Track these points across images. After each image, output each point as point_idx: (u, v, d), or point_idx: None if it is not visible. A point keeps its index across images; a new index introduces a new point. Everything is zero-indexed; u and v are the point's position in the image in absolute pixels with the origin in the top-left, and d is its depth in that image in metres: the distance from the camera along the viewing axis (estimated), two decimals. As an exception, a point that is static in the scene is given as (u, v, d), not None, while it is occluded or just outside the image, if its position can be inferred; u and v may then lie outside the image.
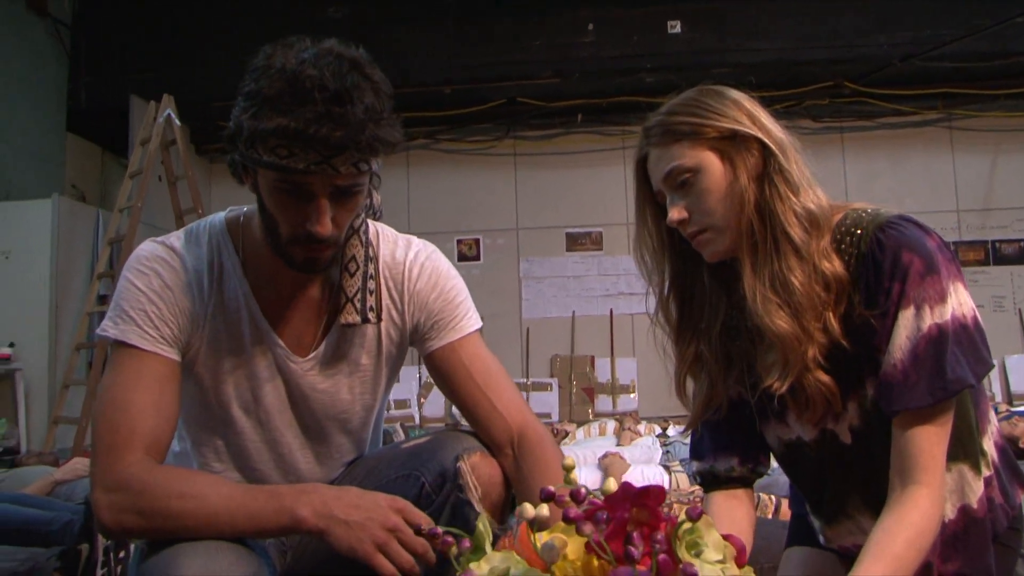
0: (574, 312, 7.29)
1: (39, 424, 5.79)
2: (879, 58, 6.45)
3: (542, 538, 0.96)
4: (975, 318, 1.21)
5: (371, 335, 1.55)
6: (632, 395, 6.85)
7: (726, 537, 0.93)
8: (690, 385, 1.46)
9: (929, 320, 1.17)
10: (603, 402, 6.94)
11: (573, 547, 0.95)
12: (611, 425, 4.92)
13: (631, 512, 0.91)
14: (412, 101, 6.79)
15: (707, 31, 6.51)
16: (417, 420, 6.98)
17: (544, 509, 0.98)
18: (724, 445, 1.46)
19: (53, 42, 6.78)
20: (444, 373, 1.57)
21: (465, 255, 7.39)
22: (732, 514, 1.43)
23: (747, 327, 1.36)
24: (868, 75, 6.70)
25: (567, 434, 4.83)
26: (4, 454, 5.28)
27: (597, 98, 6.94)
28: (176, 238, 1.49)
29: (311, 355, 1.50)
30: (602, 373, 7.00)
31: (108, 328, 1.41)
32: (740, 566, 0.93)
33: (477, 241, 7.41)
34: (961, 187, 7.33)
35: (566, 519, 0.92)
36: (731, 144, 1.29)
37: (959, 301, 1.20)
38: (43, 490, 3.34)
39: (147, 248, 1.47)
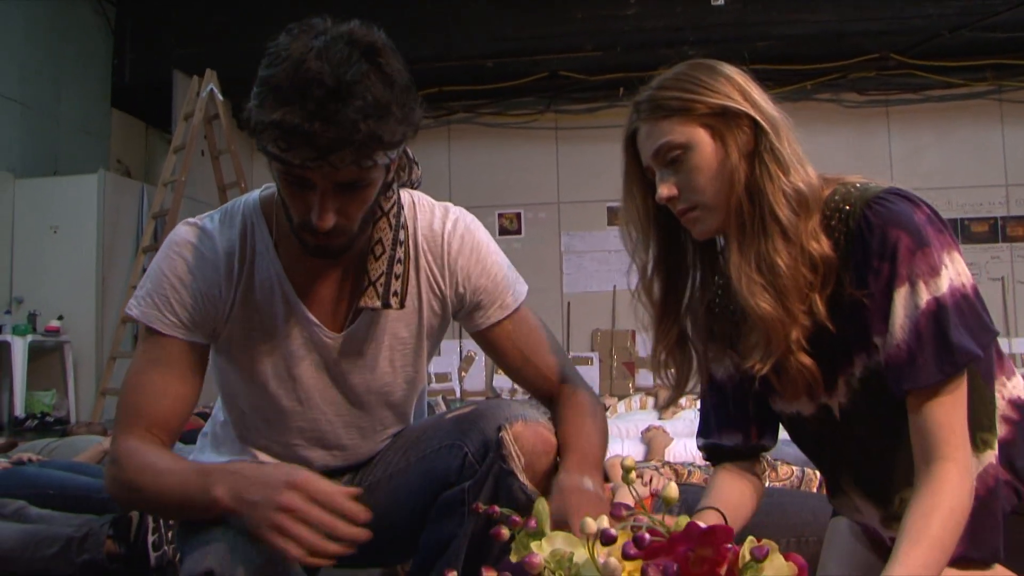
0: (615, 286, 7.27)
1: (87, 395, 5.89)
2: (928, 29, 6.33)
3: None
4: (974, 286, 1.18)
5: (410, 307, 1.53)
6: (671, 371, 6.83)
7: (787, 557, 0.92)
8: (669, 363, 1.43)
9: (925, 295, 1.14)
10: (644, 376, 6.92)
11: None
12: (651, 400, 4.90)
13: (695, 551, 0.89)
14: (453, 75, 6.78)
15: (751, 2, 6.42)
16: (458, 394, 7.01)
17: (604, 521, 0.96)
18: (728, 421, 1.44)
19: (98, 19, 6.85)
20: (491, 347, 1.60)
21: (506, 229, 7.39)
22: (738, 486, 1.42)
23: (730, 306, 1.35)
24: (916, 47, 6.57)
25: (608, 408, 4.82)
26: (54, 424, 5.38)
27: (639, 71, 6.83)
28: (210, 219, 1.49)
29: (346, 331, 1.49)
30: (643, 347, 6.97)
31: (132, 307, 1.46)
32: None
33: (518, 215, 7.41)
34: (1010, 161, 7.18)
35: (627, 556, 0.90)
36: (722, 120, 1.26)
37: (956, 271, 1.16)
38: (93, 458, 3.39)
39: (180, 231, 1.48)
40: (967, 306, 1.15)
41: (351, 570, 1.70)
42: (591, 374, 6.98)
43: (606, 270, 7.27)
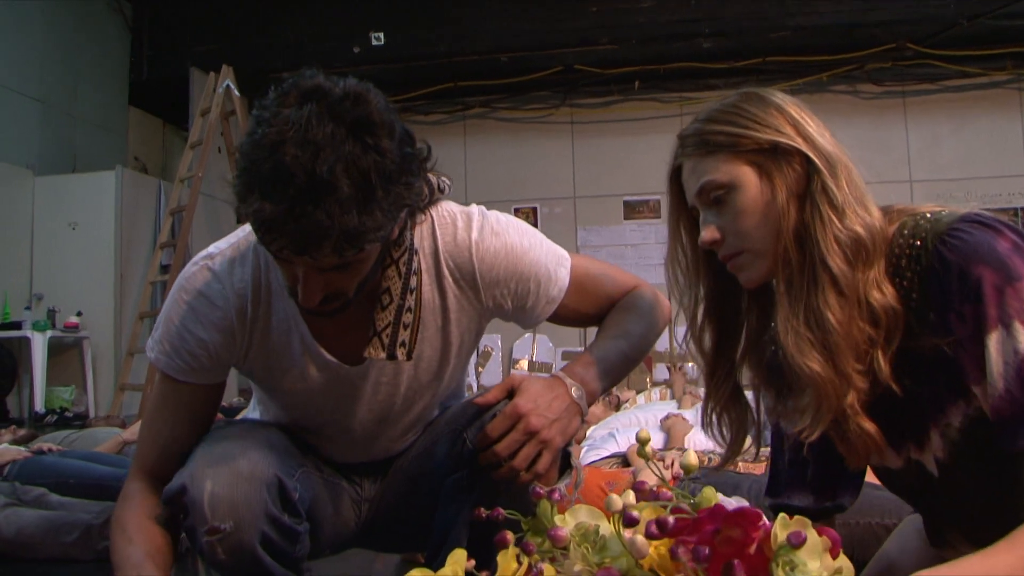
0: (631, 281, 7.19)
1: (106, 390, 5.93)
2: (945, 18, 6.29)
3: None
4: None
5: (432, 329, 1.50)
6: (690, 364, 6.80)
7: (819, 531, 0.88)
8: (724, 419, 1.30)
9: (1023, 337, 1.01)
10: (661, 371, 6.88)
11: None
12: (669, 391, 4.89)
13: (721, 530, 0.86)
14: (468, 69, 6.78)
15: (766, -7, 6.39)
16: (475, 389, 7.01)
17: (631, 496, 0.95)
18: (798, 480, 1.33)
19: (115, 16, 6.89)
20: (555, 321, 1.59)
21: (522, 224, 7.30)
22: None
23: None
24: (933, 36, 6.52)
25: (627, 400, 4.80)
26: (74, 419, 5.41)
27: (655, 64, 6.86)
28: (221, 256, 1.45)
29: (365, 364, 1.48)
30: (660, 342, 6.93)
31: (148, 349, 1.49)
32: (834, 557, 0.89)
33: (534, 210, 7.38)
34: (1031, 151, 7.13)
35: (650, 536, 0.88)
36: (771, 158, 1.15)
37: None
38: (112, 449, 3.41)
39: (189, 276, 1.46)
40: None
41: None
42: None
43: (622, 264, 7.23)
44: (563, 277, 1.53)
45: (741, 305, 1.26)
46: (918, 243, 1.09)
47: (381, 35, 6.27)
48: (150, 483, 1.43)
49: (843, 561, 0.90)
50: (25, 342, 5.61)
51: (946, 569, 0.98)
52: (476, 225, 1.48)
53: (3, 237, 5.80)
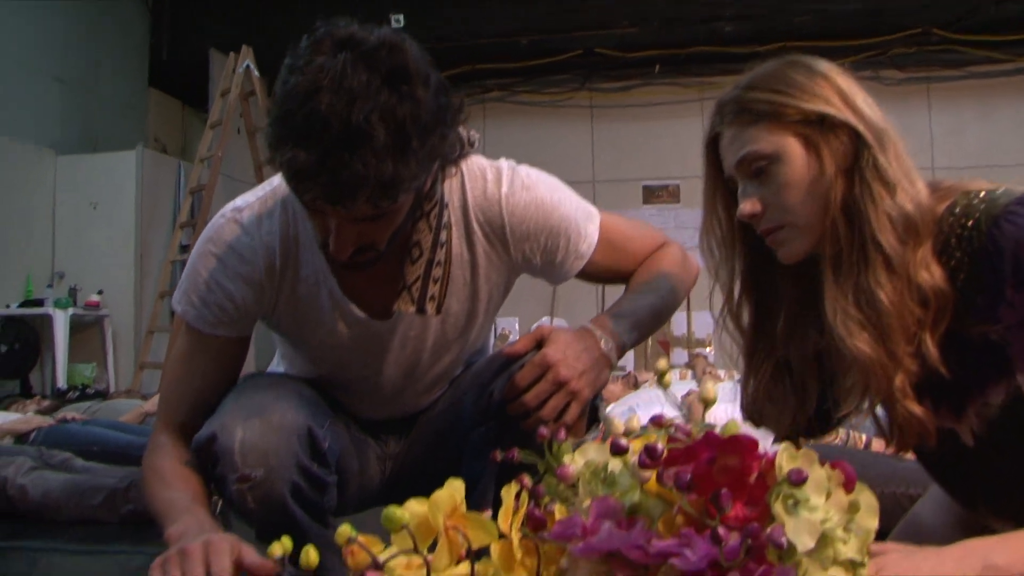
0: (650, 266, 7.17)
1: (126, 368, 5.96)
2: (971, 2, 6.22)
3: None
4: None
5: (460, 284, 1.49)
6: (708, 348, 6.78)
7: (834, 465, 0.84)
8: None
9: None
10: (679, 355, 6.86)
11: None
12: (690, 372, 4.88)
13: (718, 460, 0.82)
14: (488, 52, 6.76)
15: (789, -23, 6.35)
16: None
17: (634, 422, 0.93)
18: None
19: (136, -3, 6.91)
20: (583, 278, 1.58)
21: (541, 207, 7.29)
22: None
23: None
24: (959, 21, 6.46)
25: (647, 381, 4.80)
26: (95, 396, 5.44)
27: (675, 48, 6.82)
28: (250, 210, 1.44)
29: (393, 318, 1.47)
30: (678, 326, 6.90)
31: (175, 302, 1.48)
32: (849, 492, 0.85)
33: (553, 193, 7.31)
34: (1057, 139, 7.05)
35: (641, 465, 0.84)
36: (818, 130, 1.10)
37: None
38: (135, 419, 3.44)
39: (217, 228, 1.45)
40: None
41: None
42: (627, 354, 6.94)
43: (641, 249, 7.22)
44: (592, 233, 1.52)
45: (782, 280, 1.22)
46: (970, 223, 1.06)
47: (401, 17, 6.25)
48: (178, 434, 1.43)
49: (862, 494, 0.86)
50: (47, 319, 5.64)
51: (996, 541, 0.95)
52: (506, 179, 1.47)
53: (25, 216, 5.82)
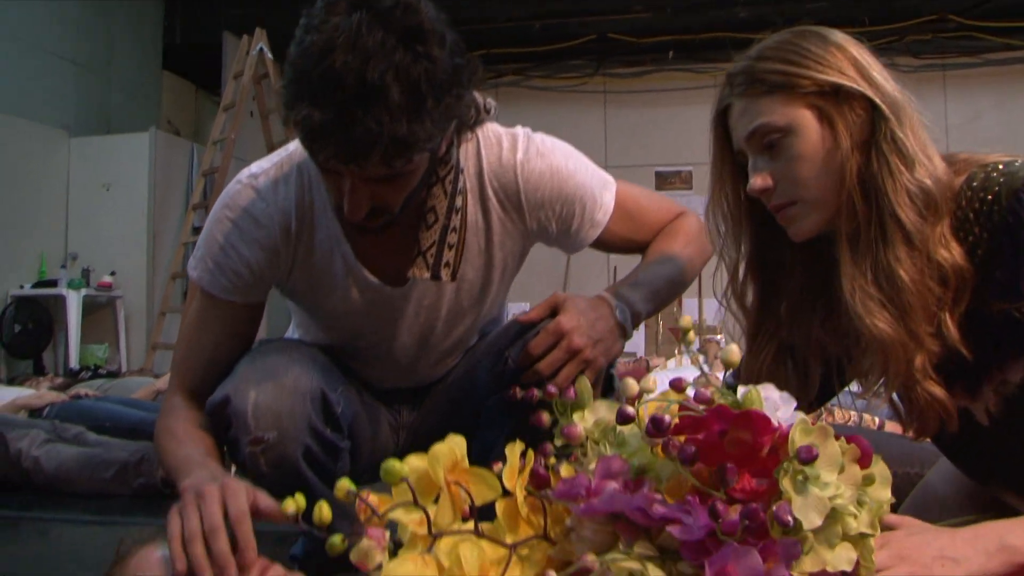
0: (662, 252, 7.15)
1: (138, 349, 5.99)
2: (988, -13, 6.18)
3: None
4: None
5: (475, 251, 1.48)
6: (719, 336, 6.76)
7: (850, 439, 0.82)
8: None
9: None
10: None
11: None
12: (701, 357, 4.87)
13: (729, 433, 0.80)
14: (501, 37, 6.74)
15: (805, -38, 6.31)
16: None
17: (650, 382, 0.91)
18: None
19: (149, -20, 6.92)
20: (598, 247, 1.57)
21: (553, 192, 7.28)
22: None
23: (843, 322, 1.13)
24: (976, 7, 6.41)
25: (658, 366, 4.79)
26: (107, 376, 5.47)
27: (689, 34, 6.79)
28: (266, 176, 1.44)
29: (407, 285, 1.47)
30: (689, 313, 6.91)
31: (190, 267, 1.48)
32: (865, 468, 0.83)
33: (565, 178, 7.29)
34: (1073, 128, 7.00)
35: (649, 434, 0.82)
36: (833, 101, 1.07)
37: None
38: (147, 396, 3.45)
39: (233, 193, 1.44)
40: None
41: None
42: (637, 338, 6.94)
43: (653, 234, 7.21)
44: (608, 201, 1.51)
45: (788, 259, 1.18)
46: (989, 197, 1.03)
47: (414, 1, 6.24)
48: (191, 398, 1.43)
49: (877, 468, 0.84)
50: (60, 300, 5.67)
51: (1013, 523, 0.93)
52: (521, 146, 1.46)
53: (39, 197, 5.85)
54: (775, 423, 0.80)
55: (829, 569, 0.76)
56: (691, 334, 0.99)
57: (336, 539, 0.78)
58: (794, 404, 0.85)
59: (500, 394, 1.45)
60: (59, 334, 5.82)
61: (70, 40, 6.09)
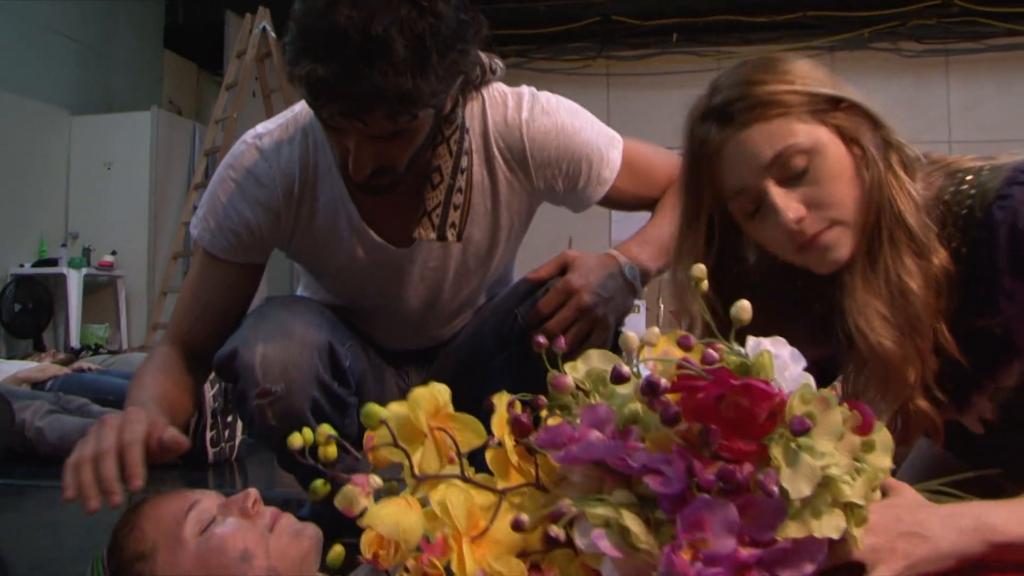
0: (663, 236, 7.14)
1: (139, 329, 5.98)
2: (993, -28, 6.15)
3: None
4: None
5: (481, 211, 1.48)
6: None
7: (852, 406, 0.80)
8: None
9: None
10: (691, 327, 6.86)
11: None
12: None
13: (727, 398, 0.78)
14: (505, 18, 6.70)
15: (810, -54, 6.28)
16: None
17: (654, 335, 0.88)
18: None
19: (152, -42, 6.88)
20: (606, 204, 1.57)
21: (555, 174, 7.27)
22: None
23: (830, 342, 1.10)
24: (980, -9, 6.39)
25: (658, 346, 4.80)
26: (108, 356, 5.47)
27: (693, 16, 6.76)
28: (270, 136, 1.44)
29: (413, 246, 1.47)
30: (691, 297, 6.91)
31: (192, 226, 1.49)
32: (864, 435, 0.81)
33: (567, 161, 7.28)
34: (1075, 113, 6.98)
35: (642, 391, 0.79)
36: (841, 114, 1.03)
37: None
38: (149, 371, 3.44)
39: (238, 153, 1.45)
40: None
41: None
42: (638, 322, 6.93)
43: (655, 218, 7.20)
44: (615, 158, 1.51)
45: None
46: (964, 212, 1.03)
47: (418, -19, 6.21)
48: (179, 349, 1.44)
49: (879, 435, 0.82)
50: (61, 279, 5.66)
51: (992, 504, 0.90)
52: (527, 105, 1.46)
53: (39, 176, 5.83)
54: (775, 391, 0.78)
55: (816, 536, 0.74)
56: (703, 284, 0.94)
57: (317, 483, 0.77)
58: (803, 363, 0.83)
59: (508, 352, 1.46)
60: (59, 314, 5.80)
61: (71, 18, 6.05)
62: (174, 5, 6.93)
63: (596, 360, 0.90)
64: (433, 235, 1.40)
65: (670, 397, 0.77)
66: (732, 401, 0.77)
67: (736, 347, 0.84)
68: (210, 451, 2.54)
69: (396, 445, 0.75)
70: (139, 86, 6.68)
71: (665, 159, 1.58)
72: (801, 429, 0.75)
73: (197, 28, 6.86)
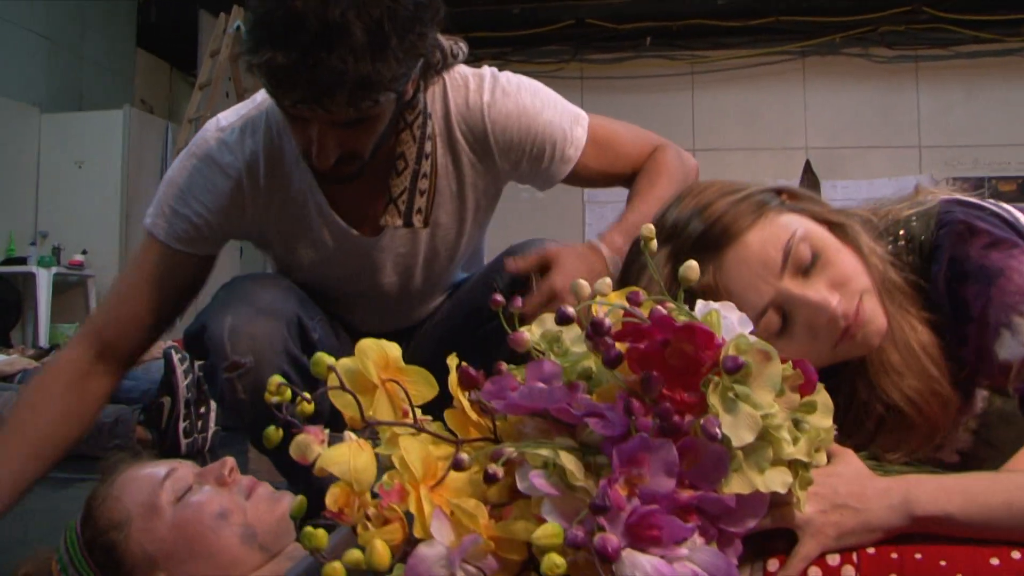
0: (636, 239, 7.15)
1: (109, 329, 5.91)
2: (961, -21, 6.24)
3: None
4: None
5: (447, 195, 1.49)
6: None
7: (796, 364, 0.78)
8: None
9: None
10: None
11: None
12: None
13: (671, 343, 0.76)
14: (480, 20, 6.72)
15: (783, -50, 6.34)
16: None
17: (605, 285, 0.85)
18: None
19: (124, -44, 6.83)
20: (575, 182, 1.56)
21: (529, 175, 7.27)
22: None
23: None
24: (948, -1, 6.48)
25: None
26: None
27: (667, 20, 6.81)
28: (231, 128, 1.43)
29: (382, 234, 1.48)
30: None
31: (145, 219, 1.45)
32: (805, 395, 0.80)
33: (542, 163, 7.29)
34: (1041, 120, 7.09)
35: (588, 336, 0.78)
36: (791, 201, 1.03)
37: None
38: (122, 366, 3.42)
39: (202, 142, 1.43)
40: None
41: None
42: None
43: (628, 221, 7.21)
44: (580, 136, 1.51)
45: None
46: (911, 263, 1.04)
47: (393, -17, 6.21)
48: (89, 351, 1.40)
49: (820, 396, 0.81)
50: (30, 278, 5.58)
51: (925, 478, 0.89)
52: (488, 87, 1.46)
53: (9, 174, 5.75)
54: (720, 339, 0.77)
55: (761, 489, 0.73)
56: (652, 244, 0.90)
57: (270, 430, 0.77)
58: (751, 327, 0.83)
59: (491, 324, 1.45)
60: (28, 313, 5.73)
61: (42, 15, 5.99)
62: (147, 4, 6.89)
63: (551, 323, 0.89)
64: (399, 222, 1.40)
65: (618, 347, 0.77)
66: (677, 349, 0.76)
67: (685, 307, 0.84)
68: (183, 442, 2.53)
69: (344, 388, 0.74)
70: (111, 84, 6.62)
71: (633, 135, 1.58)
72: (734, 367, 0.73)
73: (170, 27, 6.82)
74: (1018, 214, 1.04)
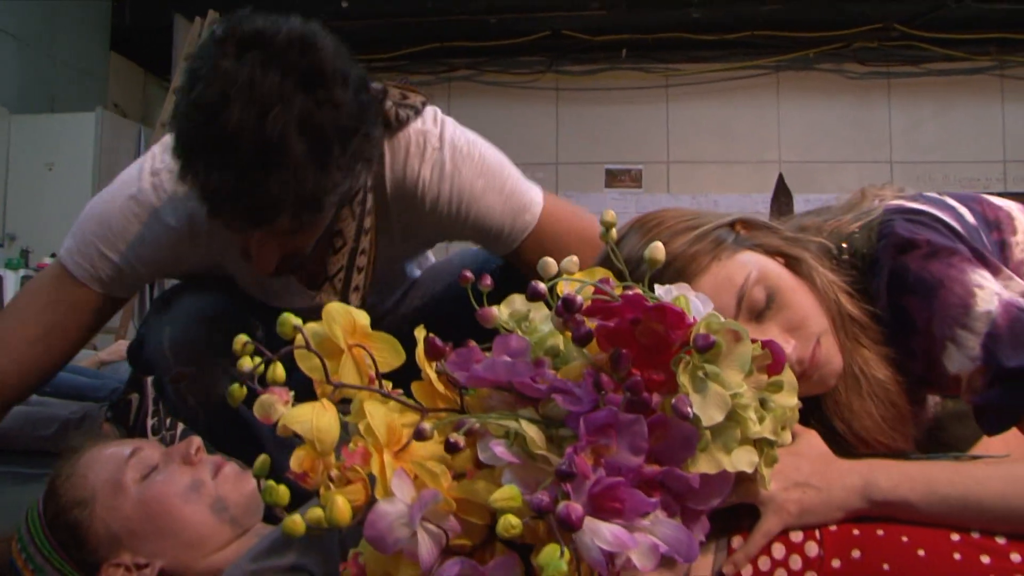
0: (610, 249, 7.16)
1: (78, 333, 5.83)
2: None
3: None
4: (1009, 302, 0.96)
5: (384, 259, 1.45)
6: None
7: (765, 344, 0.80)
8: None
9: (973, 341, 0.94)
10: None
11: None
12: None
13: (642, 322, 0.77)
14: (456, 30, 6.73)
15: (758, -36, 6.39)
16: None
17: (572, 263, 0.87)
18: None
19: (98, -41, 6.78)
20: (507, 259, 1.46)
21: (504, 185, 7.26)
22: None
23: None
24: (920, 17, 6.56)
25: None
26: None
27: (642, 33, 6.84)
28: (169, 173, 1.31)
29: (324, 287, 1.43)
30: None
31: (65, 246, 1.34)
32: (773, 375, 0.81)
33: (516, 173, 7.29)
34: (1009, 137, 7.16)
35: (558, 313, 0.78)
36: (745, 233, 1.03)
37: (994, 291, 0.95)
38: (91, 366, 3.38)
39: (143, 190, 1.32)
40: (1017, 322, 0.93)
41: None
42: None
43: (603, 231, 7.22)
44: (520, 228, 1.43)
45: None
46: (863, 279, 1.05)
47: (364, -8, 6.21)
48: None
49: (786, 376, 0.82)
50: (-3, 280, 5.51)
51: (886, 462, 0.91)
52: (429, 158, 1.36)
53: (-23, 175, 5.68)
54: (690, 318, 0.78)
55: (729, 470, 0.74)
56: (612, 232, 0.92)
57: (234, 387, 0.76)
58: (712, 307, 0.84)
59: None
60: (-5, 315, 5.65)
61: (10, 14, 5.91)
62: (121, 7, 6.84)
63: (519, 304, 0.90)
64: (336, 299, 1.34)
65: (588, 324, 0.77)
66: (647, 328, 0.76)
67: (651, 293, 0.85)
68: (151, 439, 2.50)
69: (309, 348, 0.73)
70: (83, 87, 6.57)
71: (587, 234, 1.47)
72: (706, 344, 0.74)
73: (144, 31, 6.78)
74: (962, 210, 1.07)
